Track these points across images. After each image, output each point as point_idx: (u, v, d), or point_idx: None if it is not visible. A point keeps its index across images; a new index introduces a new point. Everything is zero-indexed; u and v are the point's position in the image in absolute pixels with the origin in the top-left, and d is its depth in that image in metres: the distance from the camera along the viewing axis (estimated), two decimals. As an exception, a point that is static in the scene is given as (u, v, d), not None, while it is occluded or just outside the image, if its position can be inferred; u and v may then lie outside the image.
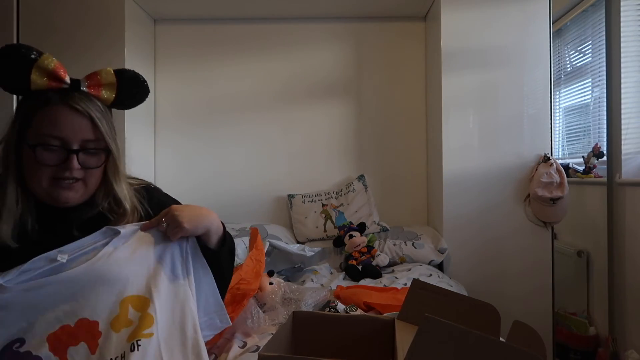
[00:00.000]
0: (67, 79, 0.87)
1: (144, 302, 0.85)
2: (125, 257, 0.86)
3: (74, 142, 0.87)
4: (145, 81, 0.99)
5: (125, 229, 0.90)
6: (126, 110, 2.12)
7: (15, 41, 2.13)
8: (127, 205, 0.96)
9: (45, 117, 0.85)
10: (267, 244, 1.94)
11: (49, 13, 2.19)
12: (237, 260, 1.90)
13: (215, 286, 0.97)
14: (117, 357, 0.80)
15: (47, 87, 0.86)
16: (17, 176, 0.88)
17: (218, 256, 0.99)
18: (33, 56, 0.84)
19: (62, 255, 0.81)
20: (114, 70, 0.94)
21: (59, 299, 0.79)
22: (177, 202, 1.08)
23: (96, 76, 0.91)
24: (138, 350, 0.80)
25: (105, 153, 0.92)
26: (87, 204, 0.95)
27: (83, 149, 0.88)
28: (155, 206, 1.02)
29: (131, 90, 0.96)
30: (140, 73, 0.98)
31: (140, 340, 0.81)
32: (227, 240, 1.02)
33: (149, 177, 2.28)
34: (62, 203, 0.89)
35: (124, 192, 0.96)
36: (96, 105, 0.90)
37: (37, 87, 0.85)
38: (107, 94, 0.92)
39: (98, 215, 0.95)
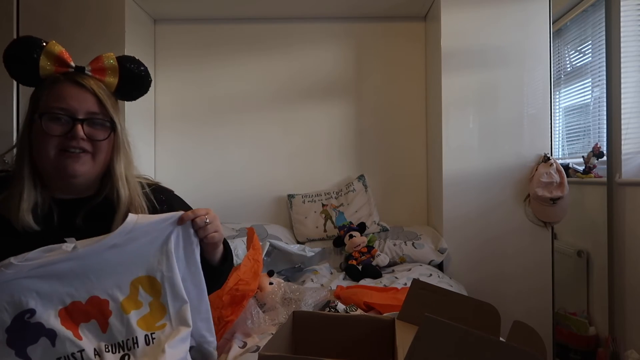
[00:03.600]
0: (72, 64, 0.93)
1: (153, 285, 0.85)
2: (139, 240, 0.85)
3: (79, 113, 0.90)
4: (146, 68, 1.01)
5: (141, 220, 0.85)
6: (126, 110, 2.12)
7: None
8: (123, 192, 0.94)
9: (51, 93, 0.90)
10: (268, 244, 1.94)
11: (49, 13, 2.19)
12: (238, 260, 1.91)
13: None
14: (129, 339, 0.81)
15: (55, 72, 0.91)
16: (30, 159, 0.91)
17: (219, 271, 1.00)
18: (43, 44, 0.91)
19: (68, 244, 0.79)
20: (116, 56, 0.98)
21: (71, 275, 0.79)
22: (188, 207, 1.07)
23: (99, 60, 0.95)
24: (153, 343, 0.82)
25: (111, 128, 0.93)
26: (93, 195, 0.96)
27: (88, 119, 0.91)
28: (164, 203, 1.02)
29: (132, 76, 0.98)
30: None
31: (154, 333, 0.83)
32: (228, 256, 1.02)
33: (149, 177, 2.28)
34: (70, 176, 0.90)
35: (122, 173, 0.95)
36: (100, 85, 0.94)
37: (45, 73, 0.91)
38: (111, 79, 0.96)
39: (102, 202, 0.95)
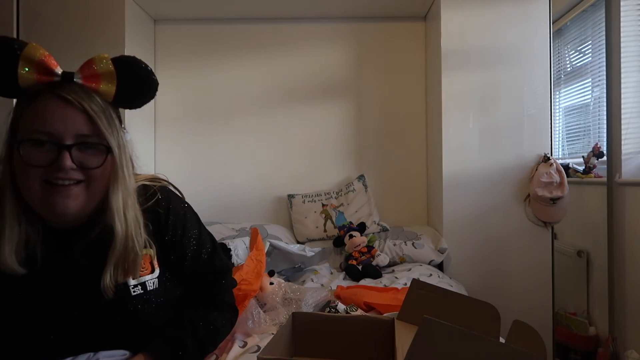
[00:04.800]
0: (58, 70, 0.77)
1: None
2: None
3: (66, 137, 0.74)
4: (151, 69, 0.84)
5: None
6: (126, 111, 2.13)
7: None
8: (119, 228, 0.80)
9: (32, 111, 0.74)
10: (268, 244, 1.94)
11: (49, 13, 2.19)
12: (238, 260, 1.91)
13: None
14: None
15: (37, 82, 0.75)
16: (14, 189, 0.77)
17: None
18: (17, 46, 0.74)
19: None
20: (111, 58, 0.80)
21: None
22: (193, 218, 0.99)
23: (91, 65, 0.78)
24: None
25: (107, 152, 0.78)
26: (92, 223, 0.83)
27: (78, 144, 0.76)
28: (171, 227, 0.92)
29: (134, 80, 0.81)
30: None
31: None
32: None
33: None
34: (59, 214, 0.76)
35: (119, 207, 0.80)
36: (93, 98, 0.77)
37: (25, 83, 0.75)
38: (106, 86, 0.79)
39: (100, 233, 0.83)
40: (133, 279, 0.85)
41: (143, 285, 0.86)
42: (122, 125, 0.86)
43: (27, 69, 0.75)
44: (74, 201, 0.77)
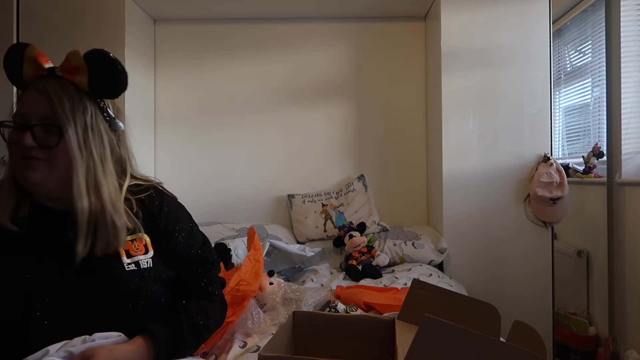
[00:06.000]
0: (47, 66, 0.90)
1: None
2: None
3: (31, 118, 0.86)
4: (114, 62, 0.91)
5: None
6: (126, 110, 2.12)
7: (15, 41, 2.13)
8: (79, 204, 0.86)
9: (18, 99, 0.90)
10: (268, 244, 1.94)
11: (49, 13, 2.19)
12: (238, 260, 1.91)
13: None
14: None
15: (34, 75, 0.90)
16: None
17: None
18: (23, 48, 0.90)
19: None
20: (86, 52, 0.89)
21: None
22: (186, 213, 1.06)
23: (68, 60, 0.89)
24: None
25: (60, 132, 0.86)
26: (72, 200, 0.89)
27: (41, 125, 0.86)
28: (162, 215, 0.99)
29: (101, 73, 0.89)
30: (126, 67, 0.93)
31: None
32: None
33: (149, 177, 2.27)
34: (27, 184, 0.87)
35: (79, 183, 0.87)
36: (65, 87, 0.87)
37: (27, 77, 0.90)
38: (80, 77, 0.88)
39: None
40: (123, 256, 0.91)
41: (137, 263, 0.92)
42: (107, 113, 0.93)
43: (28, 66, 0.89)
44: (36, 174, 0.86)
